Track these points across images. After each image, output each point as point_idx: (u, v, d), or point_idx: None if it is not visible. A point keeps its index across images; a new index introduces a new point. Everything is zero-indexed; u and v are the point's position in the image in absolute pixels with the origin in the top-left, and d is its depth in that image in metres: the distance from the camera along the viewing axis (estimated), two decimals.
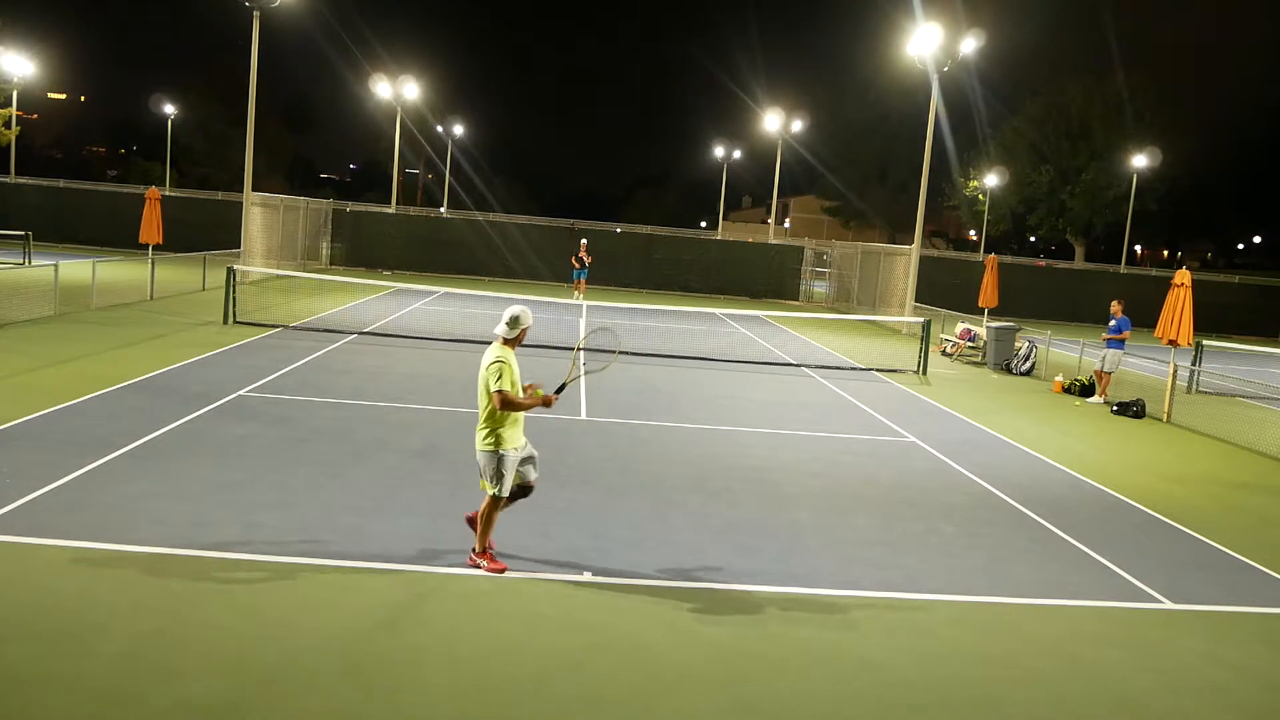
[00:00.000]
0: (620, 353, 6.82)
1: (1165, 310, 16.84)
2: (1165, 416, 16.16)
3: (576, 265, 31.12)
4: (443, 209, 55.69)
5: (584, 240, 32.50)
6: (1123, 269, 44.51)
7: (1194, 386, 20.62)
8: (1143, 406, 16.32)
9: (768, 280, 39.52)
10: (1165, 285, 18.39)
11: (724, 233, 54.51)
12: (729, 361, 18.85)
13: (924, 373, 19.27)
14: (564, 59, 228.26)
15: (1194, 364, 20.32)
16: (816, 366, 19.38)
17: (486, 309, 25.98)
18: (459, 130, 66.44)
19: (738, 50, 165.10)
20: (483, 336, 19.67)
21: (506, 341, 6.89)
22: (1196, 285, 18.06)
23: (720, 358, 19.19)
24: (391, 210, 42.31)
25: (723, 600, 6.75)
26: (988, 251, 42.22)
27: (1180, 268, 18.41)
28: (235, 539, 7.09)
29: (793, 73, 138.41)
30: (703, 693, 5.37)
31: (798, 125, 49.76)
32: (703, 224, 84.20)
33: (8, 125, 39.99)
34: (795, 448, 11.75)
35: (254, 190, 27.52)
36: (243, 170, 27.11)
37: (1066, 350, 23.91)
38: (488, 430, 6.77)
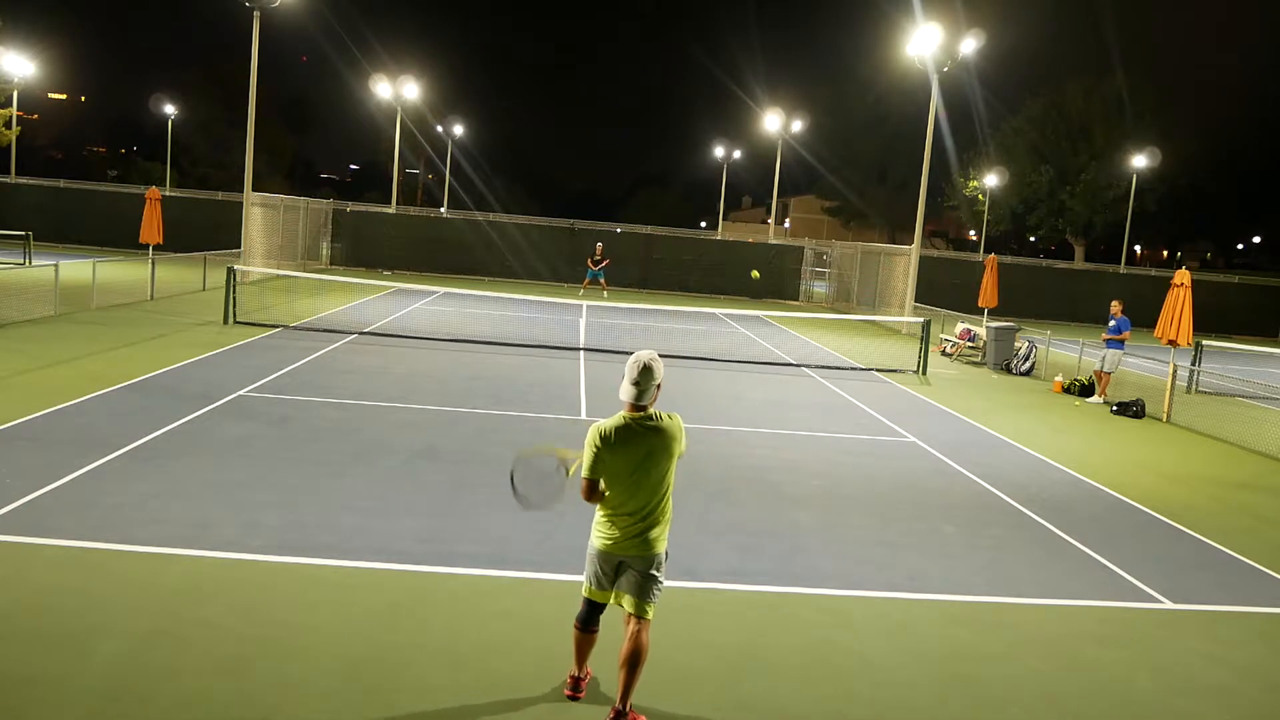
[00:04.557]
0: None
1: (1165, 310, 16.85)
2: (1165, 416, 16.15)
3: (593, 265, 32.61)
4: (443, 209, 55.68)
5: (600, 244, 33.90)
6: (1123, 269, 44.50)
7: (1194, 386, 20.61)
8: (1142, 406, 16.31)
9: (768, 280, 39.51)
10: (1165, 285, 18.41)
11: (724, 233, 54.53)
12: (729, 361, 18.85)
13: (924, 373, 19.27)
14: (564, 58, 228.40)
15: (1194, 364, 20.32)
16: (817, 366, 19.38)
17: (486, 309, 25.98)
18: (459, 130, 66.47)
19: (738, 50, 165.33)
20: (482, 336, 19.69)
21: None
22: (1196, 285, 18.08)
23: (720, 358, 19.19)
24: (391, 210, 42.30)
25: (723, 600, 6.74)
26: (988, 251, 42.23)
27: (1180, 268, 18.42)
28: (235, 539, 7.09)
29: (793, 73, 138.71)
30: (703, 693, 5.37)
31: (798, 125, 49.81)
32: (703, 224, 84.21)
33: (8, 125, 39.99)
34: (795, 448, 11.75)
35: (254, 190, 27.53)
36: (243, 170, 27.11)
37: (1066, 350, 23.92)
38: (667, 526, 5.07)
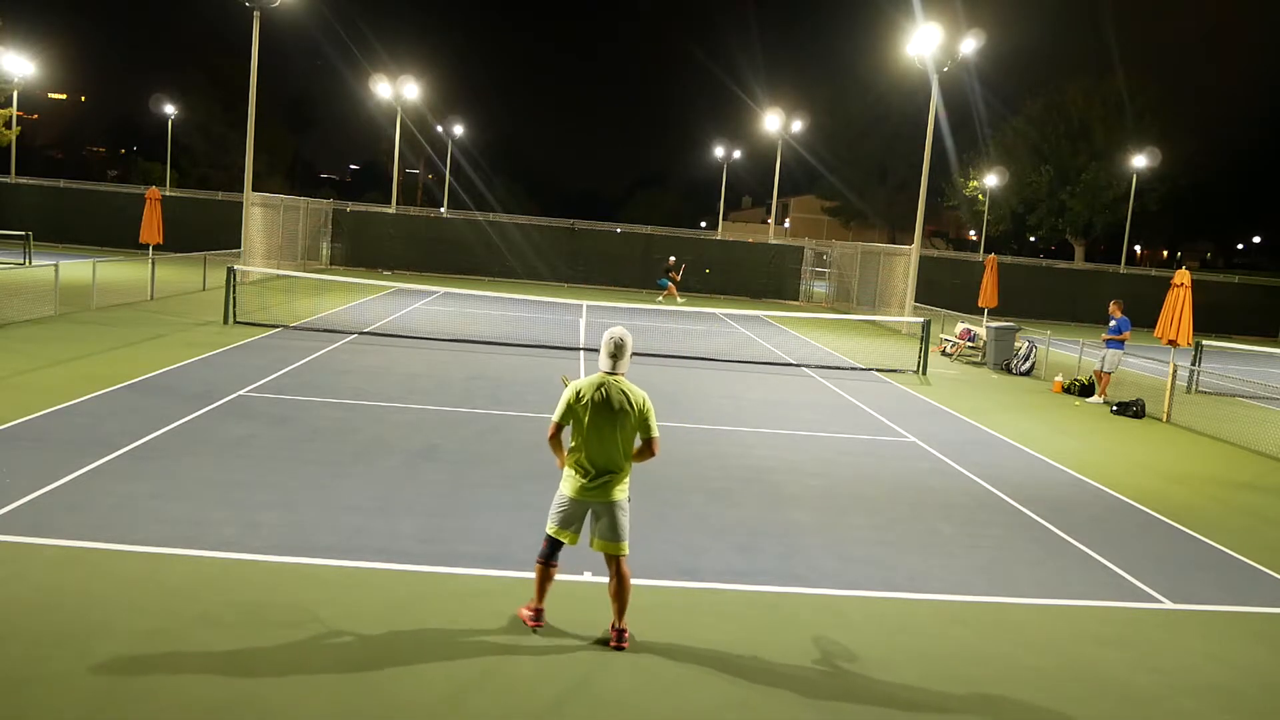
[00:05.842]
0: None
1: (1165, 310, 16.84)
2: (1165, 416, 16.15)
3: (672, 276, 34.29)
4: (443, 209, 55.69)
5: (672, 258, 35.24)
6: (1123, 269, 44.51)
7: (1194, 386, 20.61)
8: (1142, 406, 16.31)
9: (768, 280, 39.52)
10: (1165, 285, 18.39)
11: (724, 233, 54.50)
12: (729, 361, 18.84)
13: (924, 373, 19.27)
14: (564, 59, 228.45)
15: (1194, 364, 20.32)
16: (816, 366, 19.38)
17: (486, 309, 25.99)
18: (459, 130, 66.47)
19: (738, 50, 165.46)
20: (483, 336, 19.69)
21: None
22: (1196, 285, 18.07)
23: (720, 358, 19.19)
24: (391, 210, 42.30)
25: (723, 600, 6.74)
26: (988, 251, 42.22)
27: (1180, 268, 18.41)
28: (235, 539, 7.09)
29: (793, 72, 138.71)
30: (702, 692, 5.37)
31: (798, 125, 49.81)
32: (703, 224, 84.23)
33: (8, 125, 40.01)
34: (795, 448, 11.75)
35: (254, 190, 27.53)
36: (243, 170, 27.11)
37: (1066, 350, 23.92)
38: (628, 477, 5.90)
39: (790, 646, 6.05)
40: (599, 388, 5.73)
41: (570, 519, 5.81)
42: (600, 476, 5.72)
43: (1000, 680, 5.84)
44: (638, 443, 5.85)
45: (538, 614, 5.97)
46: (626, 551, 5.83)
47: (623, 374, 5.83)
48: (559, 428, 5.84)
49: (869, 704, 5.41)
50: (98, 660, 5.18)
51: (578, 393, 5.74)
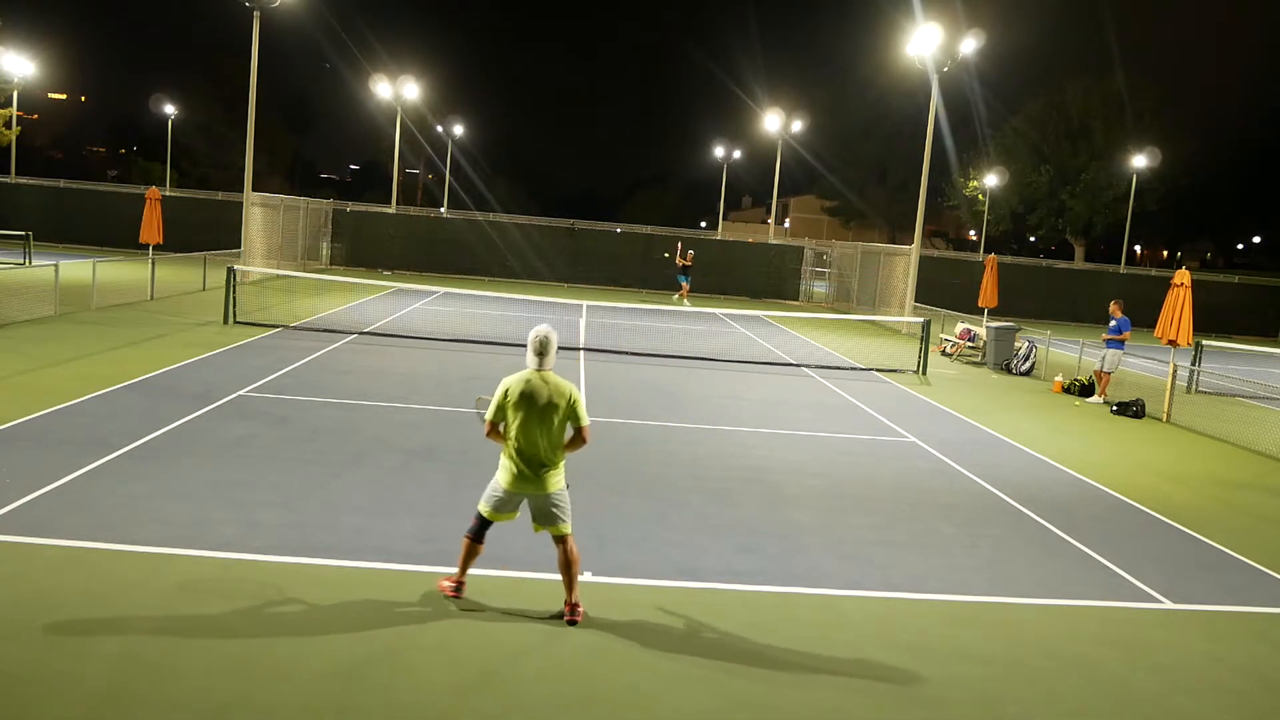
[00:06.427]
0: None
1: (1165, 310, 16.84)
2: (1165, 416, 16.15)
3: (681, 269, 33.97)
4: (443, 209, 55.69)
5: (690, 251, 34.92)
6: (1123, 269, 44.51)
7: (1194, 386, 20.61)
8: (1142, 406, 16.31)
9: (768, 280, 39.50)
10: (1165, 285, 18.39)
11: (724, 233, 54.51)
12: (729, 361, 18.84)
13: (924, 373, 19.27)
14: (564, 58, 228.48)
15: (1194, 364, 20.32)
16: (816, 366, 19.38)
17: (486, 309, 25.99)
18: (459, 130, 66.45)
19: (738, 50, 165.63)
20: (483, 336, 19.69)
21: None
22: (1196, 285, 18.06)
23: (720, 358, 19.18)
24: (391, 210, 42.31)
25: (723, 600, 6.74)
26: (988, 251, 42.22)
27: (1180, 268, 18.41)
28: (235, 539, 7.09)
29: (793, 72, 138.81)
30: (701, 692, 5.37)
31: (798, 125, 49.79)
32: (703, 224, 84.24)
33: (8, 125, 40.03)
34: (795, 447, 11.75)
35: (254, 190, 27.53)
36: (243, 170, 27.12)
37: (1066, 350, 23.91)
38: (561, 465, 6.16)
39: (790, 646, 6.05)
40: (527, 383, 6.01)
41: (503, 506, 6.16)
42: (533, 469, 6.00)
43: (1000, 680, 5.84)
44: (570, 433, 6.12)
45: (458, 586, 6.30)
46: (569, 531, 6.10)
47: (549, 369, 6.10)
48: (493, 425, 6.16)
49: (869, 704, 5.41)
50: (98, 660, 5.18)
51: (507, 390, 6.03)
